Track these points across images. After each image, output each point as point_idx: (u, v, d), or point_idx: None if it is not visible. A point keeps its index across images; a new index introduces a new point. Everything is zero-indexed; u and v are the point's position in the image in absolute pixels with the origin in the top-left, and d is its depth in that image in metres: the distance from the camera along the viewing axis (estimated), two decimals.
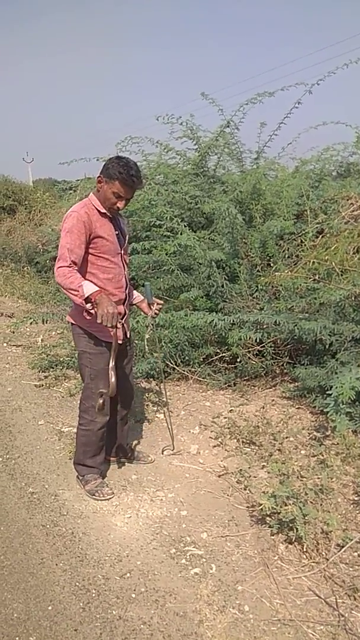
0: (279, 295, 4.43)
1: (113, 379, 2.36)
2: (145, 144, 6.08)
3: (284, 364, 4.32)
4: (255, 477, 2.87)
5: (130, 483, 2.80)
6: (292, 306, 3.87)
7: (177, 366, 4.36)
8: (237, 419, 3.47)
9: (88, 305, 2.28)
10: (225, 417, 3.51)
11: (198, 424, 3.51)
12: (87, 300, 2.26)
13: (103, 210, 2.44)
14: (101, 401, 2.41)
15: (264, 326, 3.95)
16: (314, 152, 6.02)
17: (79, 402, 2.77)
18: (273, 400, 4.00)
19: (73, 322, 2.60)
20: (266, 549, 2.31)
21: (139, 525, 2.45)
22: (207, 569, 2.18)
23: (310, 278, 4.02)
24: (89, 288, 2.26)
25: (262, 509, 2.35)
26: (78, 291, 2.24)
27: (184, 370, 4.38)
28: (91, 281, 2.38)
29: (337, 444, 3.04)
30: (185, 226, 4.79)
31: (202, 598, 2.02)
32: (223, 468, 2.94)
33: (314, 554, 2.24)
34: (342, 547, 2.27)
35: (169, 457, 3.09)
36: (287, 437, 3.26)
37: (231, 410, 3.55)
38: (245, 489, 2.74)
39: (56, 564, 2.21)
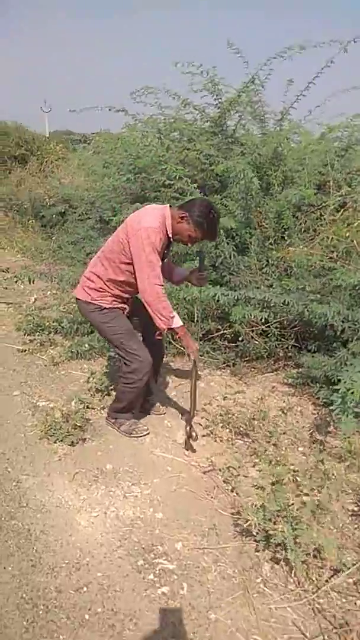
0: (290, 272, 4.04)
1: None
2: (162, 95, 5.55)
3: (289, 347, 3.97)
4: (245, 476, 2.55)
5: (104, 473, 2.49)
6: (305, 286, 3.47)
7: (174, 340, 4.02)
8: (232, 407, 3.14)
9: (165, 331, 2.54)
10: (218, 404, 3.17)
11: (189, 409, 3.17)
12: (171, 329, 2.51)
13: (170, 234, 2.50)
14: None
15: (272, 305, 3.58)
16: (343, 119, 5.48)
17: (122, 365, 2.73)
18: (273, 386, 3.67)
19: (80, 297, 2.65)
20: (248, 568, 2.00)
21: (105, 527, 2.15)
22: (178, 588, 1.88)
23: (327, 256, 3.62)
24: (177, 321, 2.51)
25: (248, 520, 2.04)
26: (168, 320, 2.46)
27: (180, 346, 4.04)
28: (113, 280, 2.56)
29: (339, 447, 2.71)
30: (196, 188, 4.36)
31: (167, 627, 1.72)
32: (210, 463, 2.62)
33: (302, 579, 1.93)
34: (337, 571, 1.97)
35: (150, 445, 2.77)
36: (284, 432, 2.93)
37: (225, 397, 3.21)
38: (232, 491, 2.42)
39: (4, 567, 1.92)
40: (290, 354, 3.99)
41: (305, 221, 4.33)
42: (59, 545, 2.03)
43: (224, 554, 2.05)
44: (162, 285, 2.43)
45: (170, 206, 2.53)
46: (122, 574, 1.91)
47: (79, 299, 2.68)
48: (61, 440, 2.66)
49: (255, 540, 2.07)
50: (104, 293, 2.60)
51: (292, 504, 2.12)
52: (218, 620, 1.76)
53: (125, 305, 2.69)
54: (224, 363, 3.96)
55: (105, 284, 2.58)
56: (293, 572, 1.93)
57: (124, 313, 2.69)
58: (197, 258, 2.91)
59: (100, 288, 2.59)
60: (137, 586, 1.87)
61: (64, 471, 2.47)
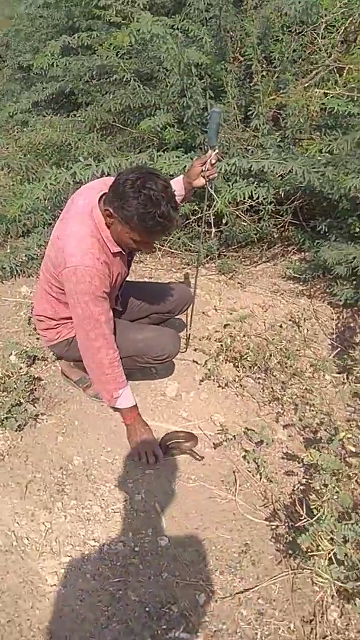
0: (280, 122, 2.97)
1: None
2: None
3: (285, 225, 3.07)
4: (271, 440, 1.82)
5: (71, 475, 1.68)
6: (331, 148, 2.46)
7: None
8: (233, 330, 2.32)
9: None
10: (215, 329, 2.34)
11: None
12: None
13: (117, 250, 1.63)
14: None
15: (270, 176, 2.62)
16: None
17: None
18: (274, 284, 2.85)
19: (45, 344, 1.97)
20: (308, 617, 1.33)
21: (85, 579, 1.39)
22: None
23: (345, 97, 2.55)
24: (124, 401, 1.76)
25: (295, 534, 1.34)
26: (110, 398, 1.74)
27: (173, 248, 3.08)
28: (68, 317, 1.75)
29: None
30: (142, 8, 3.02)
31: None
32: (219, 428, 1.86)
33: None
34: None
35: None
36: (303, 356, 2.18)
37: (227, 324, 2.35)
38: (259, 475, 1.70)
39: None
40: (287, 234, 3.12)
41: (294, 49, 3.13)
42: (13, 636, 1.28)
43: (269, 600, 1.37)
44: (110, 347, 1.67)
45: (100, 198, 1.58)
46: None
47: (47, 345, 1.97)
48: (2, 425, 1.81)
49: (310, 568, 1.39)
50: (62, 327, 1.86)
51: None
52: None
53: None
54: (208, 256, 3.06)
55: (60, 322, 1.85)
56: None
57: None
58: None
59: (56, 325, 1.86)
60: None
61: (12, 480, 1.65)
